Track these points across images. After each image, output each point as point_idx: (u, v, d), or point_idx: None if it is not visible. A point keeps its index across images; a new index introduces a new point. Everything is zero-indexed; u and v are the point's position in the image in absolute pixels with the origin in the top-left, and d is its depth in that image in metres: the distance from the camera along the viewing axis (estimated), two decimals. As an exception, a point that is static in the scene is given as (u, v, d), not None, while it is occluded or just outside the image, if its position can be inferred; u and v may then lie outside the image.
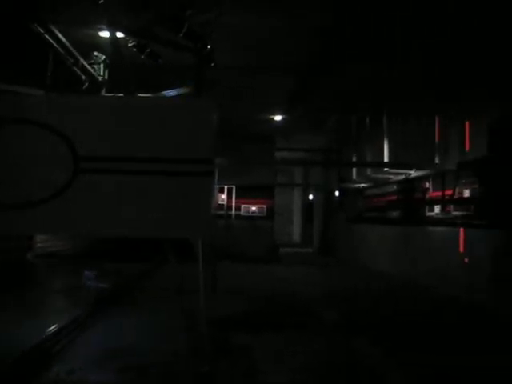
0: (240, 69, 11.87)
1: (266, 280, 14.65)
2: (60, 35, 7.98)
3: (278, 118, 17.31)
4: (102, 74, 8.98)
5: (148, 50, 8.86)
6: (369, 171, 16.68)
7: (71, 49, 8.17)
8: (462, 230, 11.52)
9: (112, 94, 8.59)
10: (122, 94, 7.91)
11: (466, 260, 11.29)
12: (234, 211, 20.72)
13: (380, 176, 15.82)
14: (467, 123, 11.41)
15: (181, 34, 8.13)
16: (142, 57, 8.86)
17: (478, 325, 9.12)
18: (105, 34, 9.16)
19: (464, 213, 11.36)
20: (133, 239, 10.99)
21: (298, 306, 10.50)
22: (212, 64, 8.92)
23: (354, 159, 18.86)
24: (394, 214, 15.95)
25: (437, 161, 12.77)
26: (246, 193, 20.64)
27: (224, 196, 20.52)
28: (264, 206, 20.97)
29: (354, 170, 18.54)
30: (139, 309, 9.57)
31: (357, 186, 18.88)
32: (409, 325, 9.00)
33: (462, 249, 11.49)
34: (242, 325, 8.53)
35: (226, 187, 20.36)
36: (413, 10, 8.49)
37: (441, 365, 6.62)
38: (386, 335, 8.16)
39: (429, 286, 12.66)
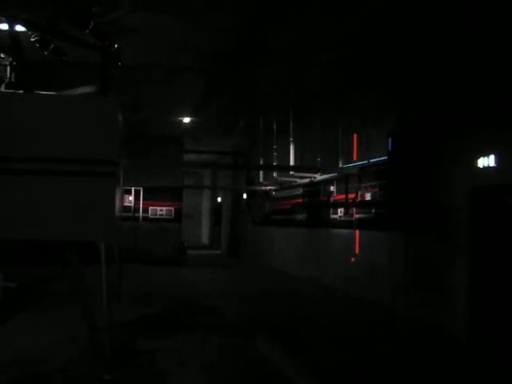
0: (148, 68, 11.70)
1: (173, 282, 14.53)
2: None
3: (186, 120, 17.23)
4: (8, 76, 8.55)
5: (52, 46, 8.54)
6: (275, 174, 16.97)
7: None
8: (357, 232, 12.04)
9: (12, 91, 8.18)
10: (21, 91, 7.54)
11: (353, 259, 12.01)
12: (141, 213, 20.46)
13: (286, 179, 16.14)
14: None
15: (87, 31, 7.91)
16: (46, 53, 8.52)
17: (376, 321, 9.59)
18: (4, 26, 8.72)
19: (365, 215, 11.84)
20: (32, 241, 10.49)
21: (205, 308, 10.50)
22: (119, 63, 8.73)
23: (262, 162, 19.12)
24: (300, 216, 16.33)
25: (340, 165, 13.19)
26: (153, 195, 20.44)
27: (131, 198, 20.21)
28: (172, 208, 20.84)
29: (261, 172, 18.80)
30: (40, 313, 9.19)
31: (264, 188, 19.15)
32: (308, 323, 9.29)
33: (357, 250, 12.03)
34: (148, 327, 8.41)
35: (133, 189, 20.06)
36: (311, 15, 8.72)
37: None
38: (289, 334, 8.38)
39: (330, 285, 13.10)
